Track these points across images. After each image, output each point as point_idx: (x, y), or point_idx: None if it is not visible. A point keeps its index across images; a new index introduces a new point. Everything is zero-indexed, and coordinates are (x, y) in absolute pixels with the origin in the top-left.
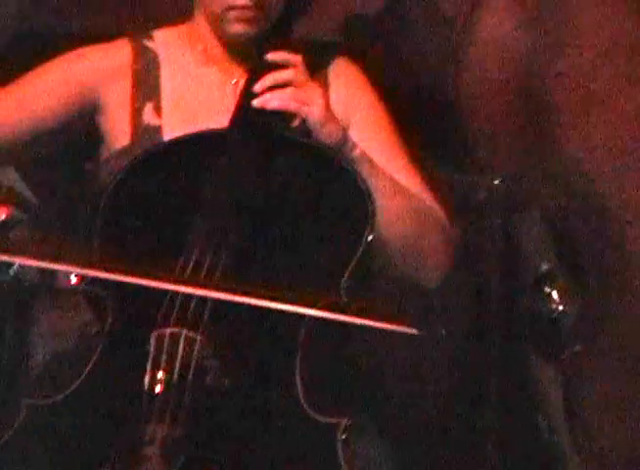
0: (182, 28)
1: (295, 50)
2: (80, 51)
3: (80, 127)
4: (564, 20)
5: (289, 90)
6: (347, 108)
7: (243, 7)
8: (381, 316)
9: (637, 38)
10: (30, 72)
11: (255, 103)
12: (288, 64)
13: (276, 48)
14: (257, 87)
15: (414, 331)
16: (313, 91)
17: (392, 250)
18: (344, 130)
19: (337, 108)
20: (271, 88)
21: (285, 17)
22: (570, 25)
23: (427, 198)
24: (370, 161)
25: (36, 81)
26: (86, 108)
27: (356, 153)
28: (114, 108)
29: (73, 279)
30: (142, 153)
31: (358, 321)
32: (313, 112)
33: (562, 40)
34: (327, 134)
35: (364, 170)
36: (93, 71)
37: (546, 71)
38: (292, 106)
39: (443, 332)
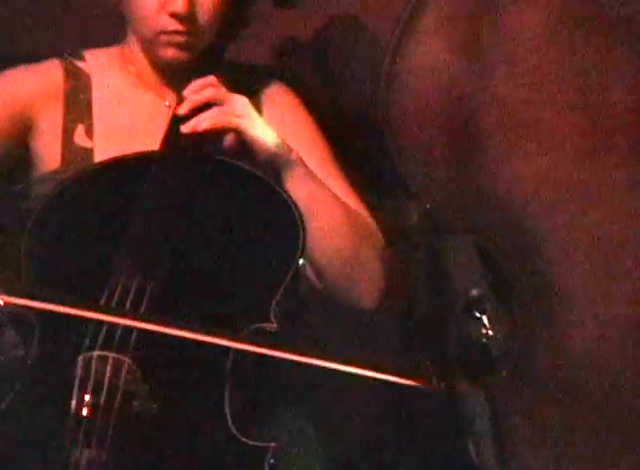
0: (115, 50)
1: (227, 73)
2: (10, 73)
3: (12, 148)
4: (496, 46)
5: (214, 109)
6: (282, 129)
7: (174, 32)
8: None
9: (569, 67)
10: None
11: (184, 129)
12: (204, 88)
13: (207, 72)
14: (181, 110)
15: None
16: (238, 102)
17: (327, 263)
18: (278, 135)
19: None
20: (196, 112)
21: (218, 40)
22: (502, 52)
23: (364, 214)
24: (306, 167)
25: None
26: (17, 129)
27: (293, 156)
28: (45, 128)
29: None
30: (70, 176)
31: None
32: (243, 121)
33: (494, 67)
34: (263, 140)
35: (300, 174)
36: (24, 94)
37: (478, 98)
38: (220, 122)
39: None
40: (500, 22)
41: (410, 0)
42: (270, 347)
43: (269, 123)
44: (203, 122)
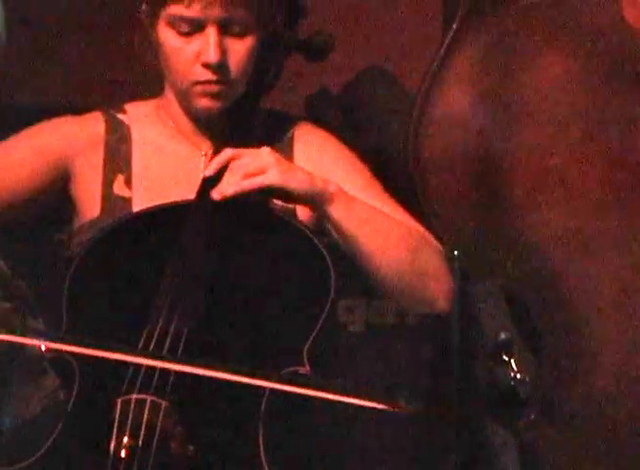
0: (153, 102)
1: (261, 122)
2: (55, 121)
3: (52, 196)
4: (521, 95)
5: (234, 170)
6: (319, 164)
7: (207, 82)
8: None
9: (592, 117)
10: (2, 143)
11: (214, 196)
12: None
13: (241, 122)
14: (207, 172)
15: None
16: (261, 155)
17: (392, 278)
18: (310, 173)
19: (307, 167)
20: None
21: (252, 92)
22: (527, 101)
23: (416, 225)
24: (347, 194)
25: (9, 152)
26: (58, 177)
27: (331, 188)
28: (85, 178)
29: (42, 347)
30: (109, 224)
31: (314, 393)
32: (271, 174)
33: (519, 115)
34: (295, 184)
35: (343, 203)
36: (66, 141)
37: (503, 146)
38: (247, 185)
39: None
40: (526, 72)
41: (438, 51)
42: (301, 385)
43: (305, 162)
44: (229, 188)
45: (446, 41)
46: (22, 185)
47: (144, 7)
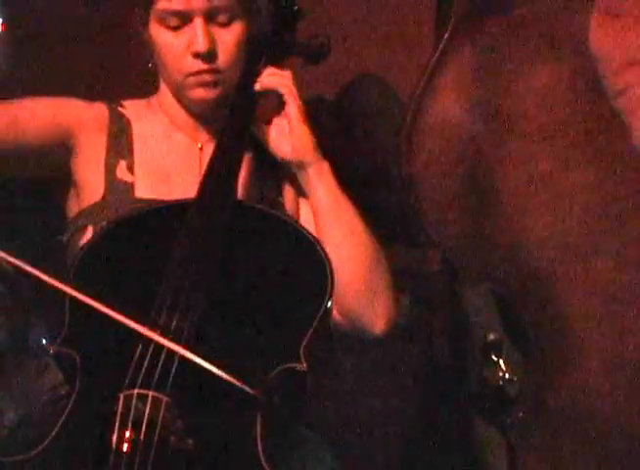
0: (149, 100)
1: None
2: (65, 98)
3: (52, 159)
4: (510, 104)
5: (286, 73)
6: None
7: (200, 72)
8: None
9: (576, 126)
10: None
11: (256, 86)
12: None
13: (238, 114)
14: (256, 85)
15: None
16: (299, 100)
17: (345, 283)
18: (317, 144)
19: None
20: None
21: (248, 88)
22: (516, 109)
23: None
24: (334, 180)
25: (26, 102)
26: (62, 141)
27: (325, 163)
28: (88, 157)
29: (44, 341)
30: (111, 222)
31: None
32: (299, 105)
33: (508, 123)
34: (304, 136)
35: (328, 179)
36: (75, 115)
37: (493, 153)
38: (285, 89)
39: None
40: (515, 81)
41: (430, 60)
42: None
43: None
44: (273, 78)
45: (438, 50)
46: (33, 130)
47: (136, 10)
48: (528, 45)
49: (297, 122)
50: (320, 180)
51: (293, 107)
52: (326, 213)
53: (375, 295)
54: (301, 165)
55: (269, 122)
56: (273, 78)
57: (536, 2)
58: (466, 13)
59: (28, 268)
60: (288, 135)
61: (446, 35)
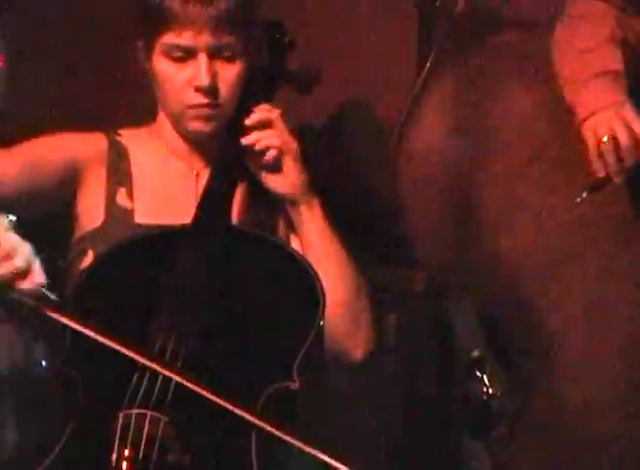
0: (146, 128)
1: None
2: (65, 135)
3: (62, 195)
4: (491, 128)
5: (270, 131)
6: None
7: (200, 105)
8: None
9: (554, 149)
10: (21, 144)
11: (244, 141)
12: (268, 117)
13: (234, 143)
14: (247, 122)
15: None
16: (290, 136)
17: (328, 312)
18: (307, 180)
19: None
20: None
21: (241, 114)
22: (496, 133)
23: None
24: (323, 215)
25: (34, 144)
26: (70, 178)
27: (315, 201)
28: (90, 189)
29: (44, 363)
30: (110, 247)
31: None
32: (290, 148)
33: (489, 146)
34: (295, 174)
35: (317, 217)
36: (79, 149)
37: (475, 176)
38: (274, 142)
39: None
40: (495, 106)
41: (414, 87)
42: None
43: None
44: (261, 140)
45: (421, 77)
46: (44, 172)
47: (139, 42)
48: (506, 72)
49: (289, 160)
50: (309, 216)
51: (284, 144)
52: (314, 247)
53: (356, 324)
54: (292, 201)
55: (262, 156)
56: (267, 113)
57: (517, 29)
58: (447, 43)
59: (29, 301)
60: (279, 171)
61: (428, 64)
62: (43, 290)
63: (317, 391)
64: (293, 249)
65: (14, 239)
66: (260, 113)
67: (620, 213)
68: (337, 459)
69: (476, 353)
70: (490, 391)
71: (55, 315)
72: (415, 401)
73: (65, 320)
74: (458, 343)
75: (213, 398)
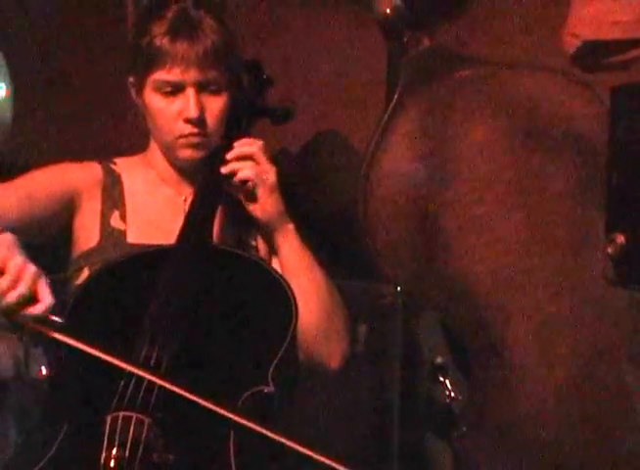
0: (138, 157)
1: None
2: (62, 165)
3: (60, 222)
4: (453, 155)
5: (249, 163)
6: None
7: (189, 135)
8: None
9: (512, 172)
10: (19, 177)
11: (223, 170)
12: (249, 151)
13: (214, 170)
14: (228, 156)
15: None
16: (270, 167)
17: (308, 321)
18: (284, 209)
19: None
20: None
21: (226, 145)
22: (458, 160)
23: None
24: (299, 237)
25: (33, 176)
26: (66, 206)
27: (291, 225)
28: (86, 213)
29: (44, 370)
30: (103, 265)
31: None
32: (267, 180)
33: (452, 172)
34: (272, 204)
35: (293, 240)
36: (76, 179)
37: (439, 198)
38: (250, 174)
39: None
40: (457, 135)
41: (382, 118)
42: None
43: None
44: (242, 170)
45: (389, 110)
46: (43, 202)
47: (131, 78)
48: (469, 104)
49: (267, 190)
50: (285, 241)
51: (264, 175)
52: (290, 268)
53: (332, 337)
54: (269, 226)
55: (241, 184)
56: (247, 148)
57: (478, 64)
58: (412, 78)
59: (34, 327)
60: (256, 200)
61: (395, 97)
62: (47, 314)
63: (292, 394)
64: (269, 266)
65: (20, 262)
66: (241, 147)
67: (573, 232)
68: (316, 456)
69: (439, 360)
70: (452, 394)
71: (59, 337)
72: (383, 404)
73: (68, 341)
74: (423, 351)
75: (194, 398)
